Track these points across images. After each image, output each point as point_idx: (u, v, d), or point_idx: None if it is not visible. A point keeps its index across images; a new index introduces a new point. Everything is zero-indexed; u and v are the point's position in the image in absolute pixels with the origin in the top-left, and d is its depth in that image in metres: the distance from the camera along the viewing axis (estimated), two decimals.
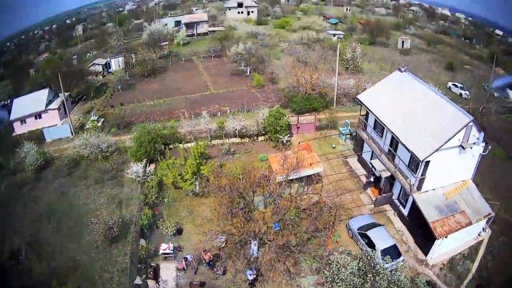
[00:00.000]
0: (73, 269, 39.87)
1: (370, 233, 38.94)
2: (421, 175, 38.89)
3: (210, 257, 37.82)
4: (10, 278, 40.10)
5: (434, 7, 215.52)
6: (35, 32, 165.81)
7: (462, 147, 37.52)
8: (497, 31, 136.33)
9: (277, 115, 58.49)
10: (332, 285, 29.97)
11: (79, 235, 44.34)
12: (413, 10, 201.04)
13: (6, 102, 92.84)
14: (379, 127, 47.04)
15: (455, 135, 36.40)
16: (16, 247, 43.80)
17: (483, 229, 41.55)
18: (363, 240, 39.02)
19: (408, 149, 39.23)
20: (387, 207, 46.15)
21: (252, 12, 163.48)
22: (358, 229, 40.62)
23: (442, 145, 36.45)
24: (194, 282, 36.89)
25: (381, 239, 37.86)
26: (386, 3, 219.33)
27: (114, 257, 40.84)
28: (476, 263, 39.14)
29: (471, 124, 36.52)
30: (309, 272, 38.31)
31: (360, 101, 50.82)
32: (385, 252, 35.40)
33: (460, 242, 39.99)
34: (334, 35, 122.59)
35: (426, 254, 39.25)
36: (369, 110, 48.33)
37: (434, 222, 37.34)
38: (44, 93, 78.83)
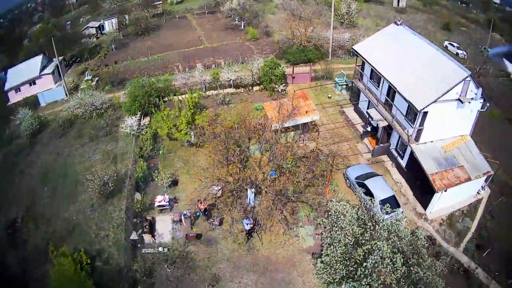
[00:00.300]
0: (69, 230, 39.60)
1: (368, 182, 38.25)
2: (419, 126, 38.45)
3: (206, 207, 37.14)
4: (7, 247, 40.00)
5: None
6: (28, 5, 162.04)
7: (460, 100, 36.89)
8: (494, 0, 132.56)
9: (271, 65, 57.28)
10: (331, 234, 29.09)
11: (74, 195, 43.90)
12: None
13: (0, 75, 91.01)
14: (376, 77, 46.26)
15: (453, 88, 35.88)
16: (13, 215, 43.59)
17: (482, 187, 40.96)
18: (361, 189, 38.20)
19: (405, 99, 38.72)
20: (385, 157, 45.55)
21: None
22: (356, 178, 39.90)
23: (440, 97, 35.98)
24: (190, 234, 36.53)
25: (380, 189, 37.17)
26: None
27: (109, 213, 40.40)
28: (476, 222, 38.74)
29: (469, 78, 35.92)
30: (307, 222, 37.95)
31: (356, 51, 49.86)
32: (383, 202, 34.57)
33: (459, 198, 39.59)
34: None
35: (425, 208, 38.74)
36: (365, 60, 47.34)
37: (433, 174, 36.86)
38: (38, 59, 77.13)
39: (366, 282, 25.53)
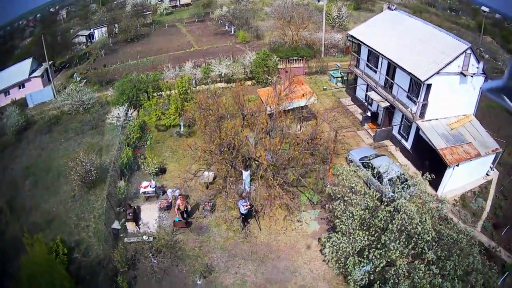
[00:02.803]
0: (48, 221, 34.70)
1: (374, 162, 33.88)
2: (423, 100, 35.72)
3: (185, 206, 31.64)
4: None
5: None
6: (20, 22, 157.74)
7: (462, 74, 34.59)
8: (484, 8, 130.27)
9: (264, 56, 52.98)
10: (342, 219, 24.26)
11: (56, 187, 39.34)
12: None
13: None
14: (373, 59, 43.79)
15: (454, 59, 33.79)
16: None
17: (491, 168, 37.85)
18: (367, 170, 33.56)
19: (408, 72, 36.04)
20: (387, 142, 41.74)
21: None
22: (360, 160, 35.48)
23: (443, 68, 33.73)
24: (178, 220, 31.26)
25: (387, 169, 32.33)
26: None
27: (91, 203, 35.81)
28: (489, 202, 35.43)
29: (469, 51, 34.09)
30: (310, 207, 32.90)
31: (352, 36, 47.33)
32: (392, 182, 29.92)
33: (469, 178, 36.51)
34: (318, 0, 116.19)
35: (436, 188, 34.81)
36: (362, 42, 44.77)
37: (443, 149, 33.76)
38: (27, 63, 73.56)
39: (395, 247, 20.52)
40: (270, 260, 28.54)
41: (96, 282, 27.82)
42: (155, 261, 28.41)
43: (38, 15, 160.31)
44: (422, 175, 26.08)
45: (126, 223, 31.38)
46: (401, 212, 21.52)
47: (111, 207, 32.99)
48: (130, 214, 31.42)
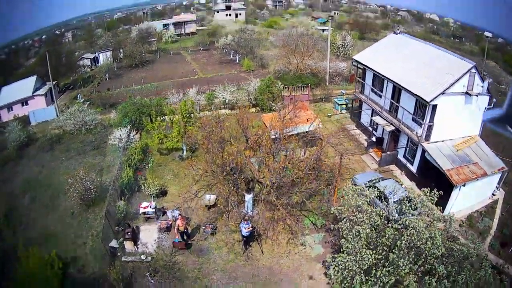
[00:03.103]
0: (45, 237, 33.79)
1: (380, 184, 33.07)
2: (429, 122, 35.39)
3: (186, 227, 30.71)
4: None
5: (421, 12, 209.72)
6: (25, 42, 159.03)
7: (467, 93, 34.58)
8: (486, 33, 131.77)
9: (269, 83, 52.78)
10: (348, 239, 23.49)
11: (56, 204, 38.64)
12: (401, 15, 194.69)
13: None
14: (378, 84, 43.66)
15: (459, 78, 33.82)
16: None
17: (497, 187, 37.29)
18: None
19: (413, 94, 36.02)
20: (393, 167, 41.23)
21: (240, 14, 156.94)
22: (365, 184, 34.52)
23: (448, 88, 33.77)
24: (178, 241, 30.36)
25: (393, 191, 31.66)
26: (374, 9, 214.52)
27: (89, 221, 35.04)
28: (496, 221, 34.77)
29: (474, 70, 34.07)
30: (314, 230, 32.08)
31: (356, 61, 47.21)
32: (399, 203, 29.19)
33: (476, 199, 35.90)
34: (323, 30, 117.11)
35: (443, 210, 33.73)
36: (367, 66, 44.95)
37: (449, 170, 33.37)
38: (31, 80, 74.03)
39: (404, 264, 19.70)
40: (272, 283, 27.49)
41: None
42: (152, 281, 27.44)
43: (43, 36, 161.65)
44: (430, 192, 25.14)
45: (124, 242, 30.46)
46: (409, 228, 20.79)
47: (110, 226, 32.02)
48: (129, 233, 30.54)
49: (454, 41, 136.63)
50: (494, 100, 36.06)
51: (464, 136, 36.98)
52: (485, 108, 35.89)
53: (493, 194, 37.36)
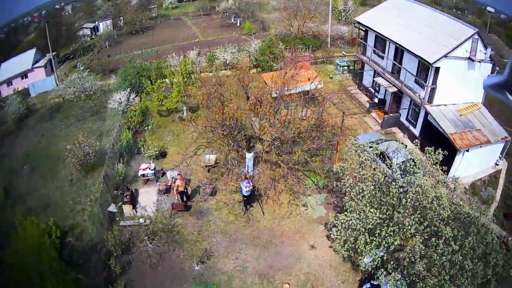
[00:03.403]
0: (44, 206, 33.12)
1: (382, 145, 31.75)
2: (432, 84, 34.59)
3: (185, 187, 29.89)
4: None
5: None
6: (25, 19, 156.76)
7: (470, 59, 33.66)
8: (489, 8, 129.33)
9: (270, 43, 51.33)
10: (351, 196, 22.41)
11: (54, 172, 37.85)
12: None
13: None
14: (380, 45, 42.37)
15: (462, 43, 32.97)
16: None
17: (500, 157, 36.42)
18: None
19: (416, 55, 35.03)
20: (395, 129, 40.18)
21: None
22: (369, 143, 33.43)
23: (451, 51, 32.90)
24: (177, 203, 29.52)
25: (396, 151, 30.58)
26: None
27: (88, 187, 34.24)
28: (499, 191, 33.86)
29: (476, 36, 33.25)
30: (316, 191, 31.05)
31: (358, 22, 46.02)
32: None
33: (479, 167, 35.13)
34: None
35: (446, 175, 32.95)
36: (369, 28, 43.64)
37: (453, 134, 32.62)
38: (30, 53, 72.47)
39: (409, 223, 18.82)
40: (273, 245, 26.74)
41: (88, 266, 26.16)
42: (151, 245, 26.65)
43: (43, 12, 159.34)
44: (434, 151, 23.94)
45: (123, 206, 29.70)
46: (415, 186, 19.73)
47: (108, 190, 31.28)
48: (127, 196, 29.77)
49: (457, 12, 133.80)
50: (497, 68, 35.34)
51: (467, 102, 36.21)
52: (488, 76, 34.61)
53: (496, 164, 36.50)
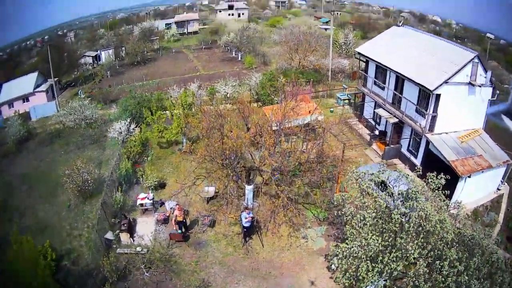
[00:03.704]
0: (41, 229, 32.70)
1: (384, 175, 31.77)
2: (433, 112, 34.46)
3: (184, 217, 29.45)
4: None
5: (424, 14, 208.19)
6: (27, 42, 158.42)
7: (471, 84, 33.78)
8: (489, 34, 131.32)
9: (270, 77, 51.74)
10: (352, 224, 22.22)
11: (53, 196, 37.56)
12: (404, 16, 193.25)
13: None
14: (381, 76, 42.52)
15: (462, 67, 33.01)
16: None
17: (502, 182, 36.38)
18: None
19: (416, 83, 35.21)
20: (397, 161, 40.18)
21: (243, 14, 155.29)
22: (369, 176, 33.33)
23: (451, 77, 32.94)
24: (175, 233, 29.13)
25: (397, 179, 30.50)
26: (376, 11, 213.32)
27: (86, 213, 33.98)
28: (502, 215, 33.71)
29: (476, 60, 33.38)
30: (316, 224, 30.85)
31: (359, 53, 46.43)
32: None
33: (481, 193, 34.94)
34: (326, 29, 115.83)
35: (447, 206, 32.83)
36: (369, 58, 44.02)
37: (454, 161, 32.59)
38: (32, 76, 73.53)
39: (413, 247, 18.60)
40: (272, 277, 26.26)
41: None
42: (147, 274, 26.19)
43: (46, 37, 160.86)
44: (436, 177, 23.77)
45: (120, 234, 29.29)
46: (417, 210, 19.60)
47: (106, 217, 30.97)
48: (125, 225, 29.46)
49: (456, 41, 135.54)
50: (498, 92, 35.66)
51: (468, 128, 36.14)
52: (489, 100, 35.41)
53: (498, 189, 36.41)
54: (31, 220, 34.19)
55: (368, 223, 20.95)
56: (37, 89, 70.77)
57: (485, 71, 34.16)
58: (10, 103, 69.51)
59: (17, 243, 24.06)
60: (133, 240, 29.42)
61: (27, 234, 27.47)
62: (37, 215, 34.96)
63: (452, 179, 30.17)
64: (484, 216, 33.13)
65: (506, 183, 36.92)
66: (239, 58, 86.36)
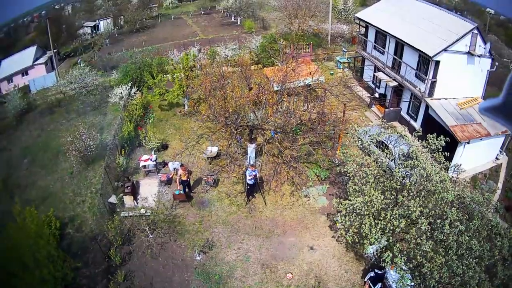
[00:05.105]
0: (43, 198, 32.38)
1: (384, 138, 31.51)
2: (432, 78, 34.22)
3: (188, 177, 29.21)
4: None
5: None
6: (24, 19, 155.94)
7: (470, 53, 33.30)
8: (489, 9, 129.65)
9: (270, 39, 51.06)
10: (355, 181, 21.93)
11: (55, 165, 37.06)
12: None
13: None
14: (381, 41, 42.24)
15: (462, 37, 32.65)
16: None
17: (500, 152, 36.23)
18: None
19: (416, 49, 34.98)
20: (396, 123, 39.62)
21: None
22: (369, 136, 33.06)
23: (451, 45, 32.60)
24: (179, 193, 28.89)
25: (396, 141, 30.22)
26: None
27: (89, 179, 33.45)
28: (500, 184, 33.56)
29: (476, 31, 32.90)
30: (318, 183, 30.53)
31: (359, 18, 46.02)
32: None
33: (479, 161, 34.86)
34: None
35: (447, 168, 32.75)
36: (369, 23, 43.52)
37: (453, 126, 32.12)
38: (31, 50, 72.30)
39: (414, 205, 18.43)
40: (275, 235, 26.18)
41: (88, 257, 25.61)
42: (151, 236, 26.10)
43: (43, 12, 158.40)
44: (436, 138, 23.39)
45: (124, 197, 29.07)
46: (418, 168, 19.30)
47: (109, 181, 30.75)
48: (128, 187, 29.16)
49: (456, 14, 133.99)
50: (497, 64, 35.52)
51: (467, 96, 36.01)
52: (488, 70, 34.98)
53: (496, 158, 36.26)
54: (33, 192, 33.79)
55: (370, 181, 20.68)
56: (36, 62, 69.94)
57: (484, 42, 33.85)
58: (9, 78, 68.50)
59: (21, 216, 23.69)
60: (137, 203, 29.24)
61: (30, 206, 27.51)
62: (39, 185, 34.59)
63: (452, 144, 30.26)
64: (483, 184, 33.02)
65: (504, 153, 36.76)
66: (238, 23, 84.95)
